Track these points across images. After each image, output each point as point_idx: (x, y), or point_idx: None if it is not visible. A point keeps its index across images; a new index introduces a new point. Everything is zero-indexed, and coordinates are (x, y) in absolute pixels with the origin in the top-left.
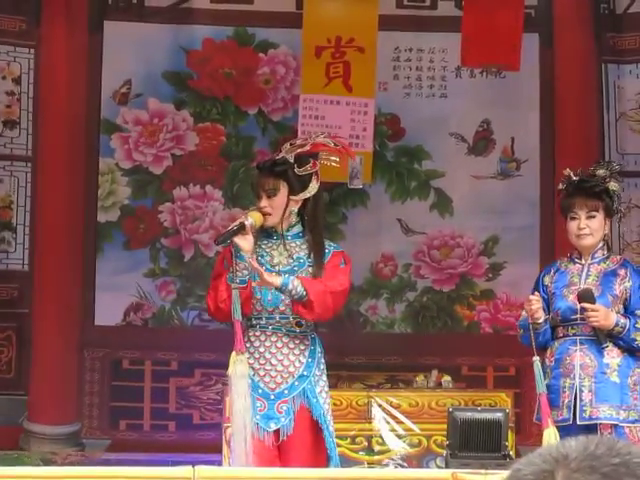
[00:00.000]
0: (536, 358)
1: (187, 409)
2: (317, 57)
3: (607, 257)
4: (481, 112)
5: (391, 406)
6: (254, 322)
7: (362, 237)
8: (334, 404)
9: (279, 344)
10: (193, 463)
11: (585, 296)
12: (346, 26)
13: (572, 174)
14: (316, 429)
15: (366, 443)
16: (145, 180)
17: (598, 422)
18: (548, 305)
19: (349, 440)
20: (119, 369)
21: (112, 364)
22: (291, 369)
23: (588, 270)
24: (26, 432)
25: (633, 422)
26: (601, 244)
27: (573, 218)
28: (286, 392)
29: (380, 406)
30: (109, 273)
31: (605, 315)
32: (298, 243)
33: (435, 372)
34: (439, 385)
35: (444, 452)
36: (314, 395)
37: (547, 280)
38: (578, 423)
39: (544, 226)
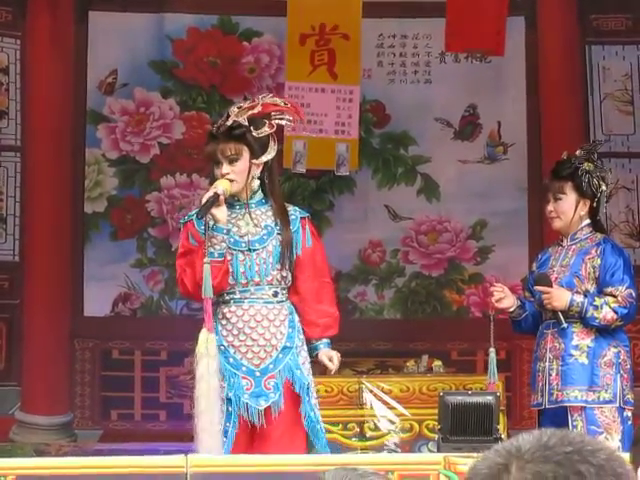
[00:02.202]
0: (491, 349)
1: (177, 398)
2: (302, 45)
3: (587, 237)
4: (467, 97)
5: (382, 392)
6: (227, 298)
7: (349, 224)
8: (325, 391)
9: (258, 317)
10: (185, 452)
11: (541, 280)
12: (330, 13)
13: (565, 155)
14: (296, 405)
15: (358, 429)
16: (132, 169)
17: (564, 405)
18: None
19: (341, 426)
20: (109, 359)
21: (102, 354)
22: (274, 342)
23: (567, 252)
24: (19, 423)
25: (606, 403)
26: (583, 224)
27: (547, 201)
28: (271, 367)
29: (371, 392)
30: (97, 264)
31: (558, 297)
32: (263, 210)
33: (426, 357)
34: (430, 370)
35: (436, 437)
36: (297, 367)
37: (534, 267)
38: (547, 407)
39: (532, 209)
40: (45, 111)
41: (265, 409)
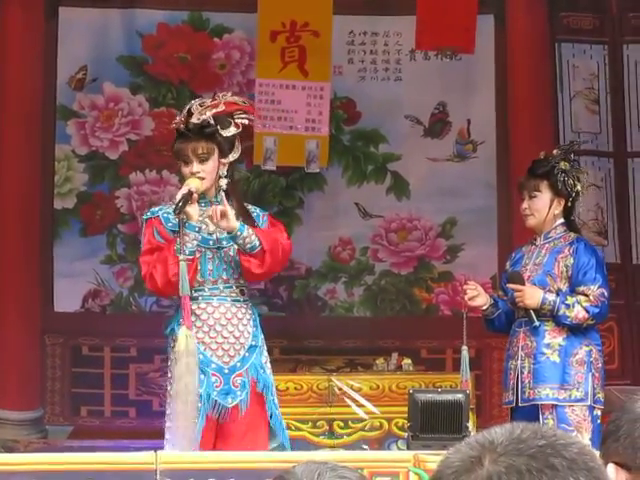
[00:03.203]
0: (464, 347)
1: (147, 395)
2: (272, 42)
3: (561, 236)
4: (436, 94)
5: (352, 389)
6: (195, 295)
7: (319, 221)
8: (294, 389)
9: (228, 315)
10: (155, 449)
11: (513, 278)
12: (301, 10)
13: (542, 155)
14: (259, 403)
15: (327, 427)
16: (101, 165)
17: (536, 403)
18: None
19: (310, 424)
20: (79, 355)
21: (72, 350)
22: (242, 340)
23: (540, 251)
24: None
25: (577, 401)
26: (557, 223)
27: (522, 199)
28: (239, 364)
29: (341, 389)
30: (66, 260)
31: (530, 295)
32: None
33: (395, 355)
34: (399, 368)
35: (405, 434)
36: (261, 366)
37: (508, 265)
38: (519, 405)
39: (501, 207)
40: (15, 107)
41: (232, 407)
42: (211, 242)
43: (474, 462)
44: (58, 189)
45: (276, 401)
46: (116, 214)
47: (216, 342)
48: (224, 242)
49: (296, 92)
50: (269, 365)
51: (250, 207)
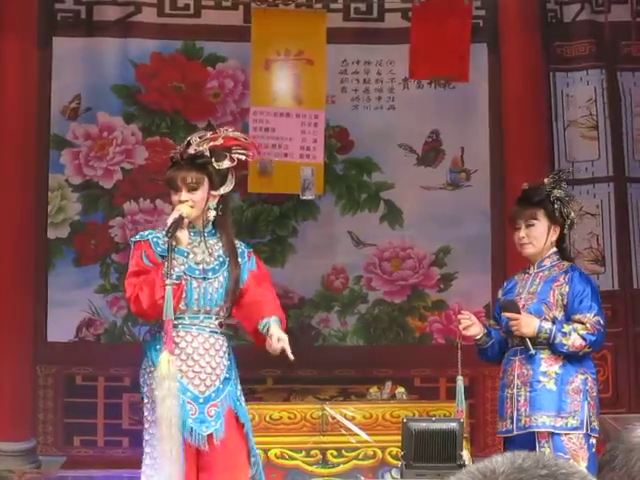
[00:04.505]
0: (459, 377)
1: (140, 425)
2: (266, 70)
3: (555, 265)
4: (430, 123)
5: (345, 418)
6: (175, 322)
7: (313, 250)
8: (288, 418)
9: (207, 345)
10: None
11: (509, 306)
12: (295, 39)
13: (526, 185)
14: (239, 433)
15: (321, 456)
16: (96, 194)
17: (532, 430)
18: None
19: (304, 453)
20: (72, 385)
21: (65, 380)
22: (218, 371)
23: (534, 279)
24: None
25: (573, 429)
26: (550, 252)
27: (516, 229)
28: (214, 395)
29: (334, 418)
30: (60, 289)
31: (526, 323)
32: (215, 240)
33: (389, 384)
34: (393, 397)
35: (399, 463)
36: (237, 398)
37: (500, 294)
38: (515, 433)
39: (495, 236)
40: (8, 136)
41: (207, 436)
42: (197, 272)
43: None
44: (52, 219)
45: (251, 432)
46: (110, 243)
47: (193, 371)
48: (210, 273)
49: (290, 119)
50: (243, 398)
51: (236, 242)
